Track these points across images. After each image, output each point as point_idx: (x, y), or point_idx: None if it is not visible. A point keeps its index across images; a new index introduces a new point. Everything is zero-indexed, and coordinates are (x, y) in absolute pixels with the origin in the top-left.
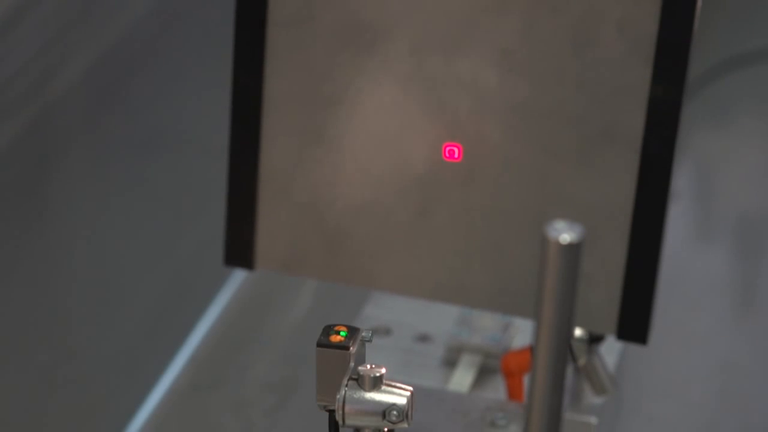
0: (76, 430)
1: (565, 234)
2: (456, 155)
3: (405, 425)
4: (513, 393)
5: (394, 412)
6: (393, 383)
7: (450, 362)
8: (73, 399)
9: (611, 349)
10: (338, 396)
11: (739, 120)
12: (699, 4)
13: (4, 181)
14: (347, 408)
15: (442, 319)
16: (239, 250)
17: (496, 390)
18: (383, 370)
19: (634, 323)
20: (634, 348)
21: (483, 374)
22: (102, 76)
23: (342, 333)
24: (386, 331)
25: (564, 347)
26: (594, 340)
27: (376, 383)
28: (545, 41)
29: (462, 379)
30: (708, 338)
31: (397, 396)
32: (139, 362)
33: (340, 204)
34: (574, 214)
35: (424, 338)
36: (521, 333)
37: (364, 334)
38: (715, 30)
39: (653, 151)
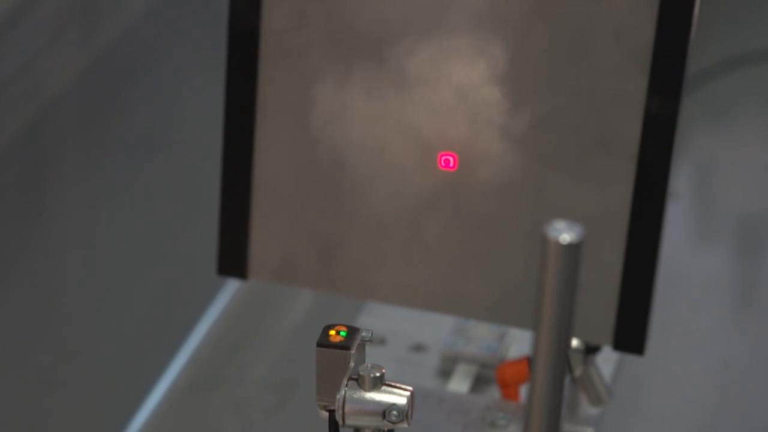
0: (76, 430)
1: (565, 234)
2: (451, 164)
3: (405, 425)
4: None
5: (394, 412)
6: (393, 383)
7: (445, 372)
8: (73, 399)
9: (607, 359)
10: (338, 396)
11: (739, 120)
12: (696, 12)
13: (3, 181)
14: (347, 408)
15: (437, 328)
16: (232, 259)
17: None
18: (383, 370)
19: (631, 334)
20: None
21: (478, 384)
22: (100, 77)
23: (342, 333)
24: (381, 341)
25: (564, 348)
26: (590, 350)
27: (376, 383)
28: (541, 50)
29: (457, 389)
30: (708, 338)
31: (397, 396)
32: (139, 362)
33: (334, 213)
34: None
35: (419, 348)
36: (517, 343)
37: (364, 334)
38: (715, 29)
39: (650, 160)
